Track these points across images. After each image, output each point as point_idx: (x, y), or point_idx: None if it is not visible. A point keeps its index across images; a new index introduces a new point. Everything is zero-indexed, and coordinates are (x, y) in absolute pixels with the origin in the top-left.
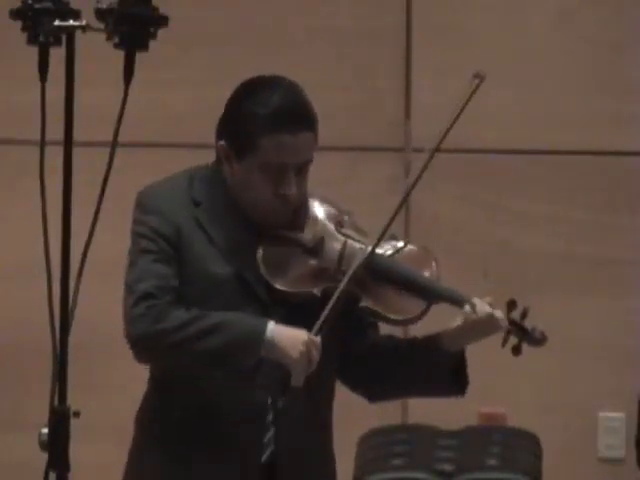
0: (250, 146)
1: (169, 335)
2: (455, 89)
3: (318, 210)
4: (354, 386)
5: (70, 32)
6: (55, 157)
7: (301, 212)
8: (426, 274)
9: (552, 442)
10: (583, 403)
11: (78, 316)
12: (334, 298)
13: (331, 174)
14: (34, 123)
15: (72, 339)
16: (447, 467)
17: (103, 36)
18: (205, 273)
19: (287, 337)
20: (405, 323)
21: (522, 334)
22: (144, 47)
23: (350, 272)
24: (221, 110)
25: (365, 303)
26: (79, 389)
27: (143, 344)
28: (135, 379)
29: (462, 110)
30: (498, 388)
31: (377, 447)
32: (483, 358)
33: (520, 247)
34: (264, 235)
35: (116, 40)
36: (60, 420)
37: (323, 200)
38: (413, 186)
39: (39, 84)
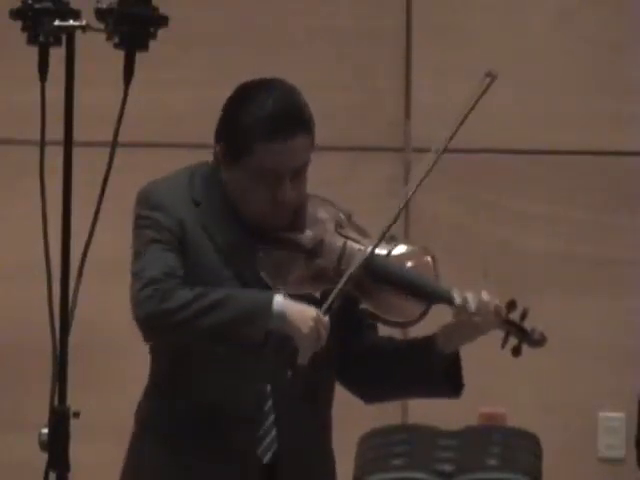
0: (245, 152)
1: (176, 312)
2: (455, 89)
3: (318, 211)
4: (351, 386)
5: (70, 32)
6: (55, 157)
7: (301, 213)
8: (425, 275)
9: (552, 442)
10: (583, 403)
11: (78, 316)
12: (343, 280)
13: (331, 174)
14: (34, 123)
15: (72, 339)
16: (447, 467)
17: (103, 36)
18: (205, 272)
19: (297, 311)
20: (404, 325)
21: (522, 335)
22: (144, 47)
23: (355, 265)
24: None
25: (364, 305)
26: (79, 389)
27: (151, 323)
28: (135, 379)
29: (472, 108)
30: (498, 388)
31: (377, 447)
32: (483, 358)
33: (520, 247)
34: (263, 236)
35: (116, 40)
36: (60, 420)
37: (323, 201)
38: (416, 188)
39: (39, 84)
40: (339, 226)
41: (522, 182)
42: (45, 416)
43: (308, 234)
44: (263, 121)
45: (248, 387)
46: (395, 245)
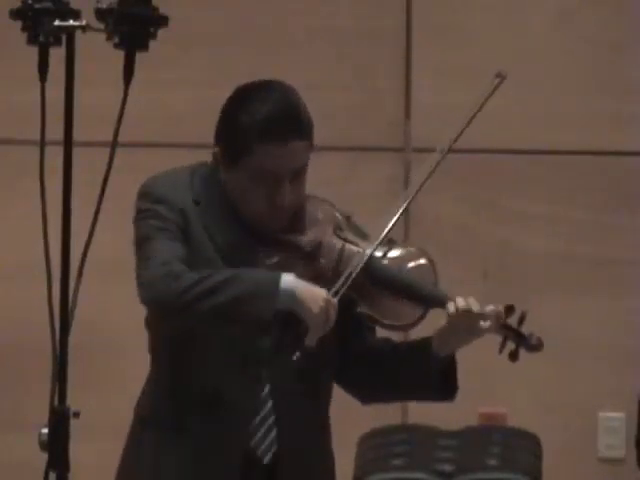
0: (244, 154)
1: (186, 291)
2: (455, 89)
3: (317, 213)
4: (348, 387)
5: (70, 32)
6: (55, 157)
7: (300, 215)
8: (422, 279)
9: (552, 442)
10: (583, 403)
11: (78, 316)
12: (356, 265)
13: (331, 174)
14: (34, 123)
15: (72, 339)
16: (447, 467)
17: (103, 36)
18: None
19: (308, 290)
20: (402, 329)
21: (519, 340)
22: (144, 47)
23: (360, 264)
24: None
25: (362, 309)
26: (79, 389)
27: (162, 303)
28: (135, 379)
29: (481, 108)
30: (498, 388)
31: (377, 447)
32: (483, 358)
33: (520, 247)
34: (263, 237)
35: (116, 40)
36: (60, 420)
37: (322, 202)
38: (420, 187)
39: (39, 84)
40: (338, 228)
41: (522, 182)
42: (45, 416)
43: (307, 236)
44: (262, 123)
45: (249, 380)
46: (393, 248)
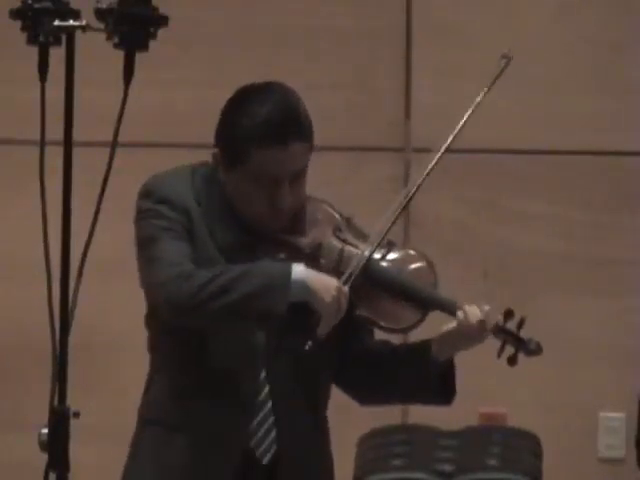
0: (243, 157)
1: (201, 290)
2: (455, 89)
3: (317, 214)
4: (346, 389)
5: (70, 32)
6: (55, 157)
7: (300, 216)
8: (421, 281)
9: (552, 442)
10: (583, 403)
11: (78, 316)
12: (366, 251)
13: (331, 174)
14: (34, 123)
15: (72, 339)
16: (447, 467)
17: (103, 36)
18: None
19: (319, 280)
20: (400, 332)
21: (518, 344)
22: (144, 47)
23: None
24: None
25: (361, 311)
26: (79, 389)
27: (177, 303)
28: (135, 379)
29: (489, 90)
30: (498, 388)
31: (377, 447)
32: (483, 358)
33: (520, 247)
34: (263, 238)
35: (116, 40)
36: (60, 420)
37: (322, 203)
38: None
39: (39, 84)
40: (338, 229)
41: (522, 182)
42: (45, 416)
43: (307, 237)
44: (262, 126)
45: (249, 380)
46: (392, 250)
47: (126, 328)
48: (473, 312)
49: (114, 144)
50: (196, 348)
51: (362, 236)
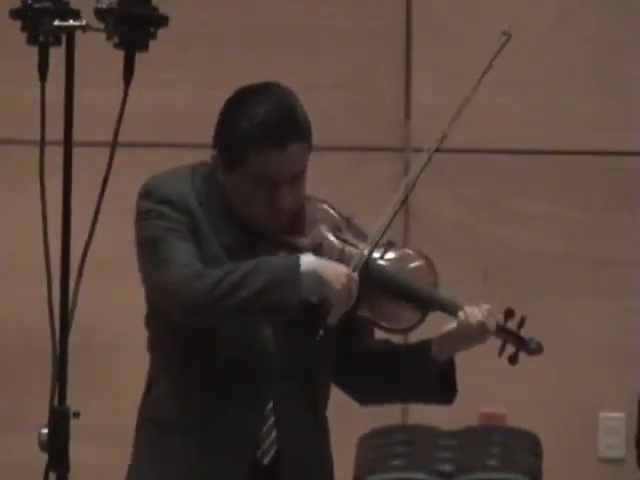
0: (241, 159)
1: (214, 290)
2: (455, 89)
3: (317, 214)
4: (346, 388)
5: (70, 32)
6: (55, 157)
7: (300, 217)
8: (421, 281)
9: (552, 442)
10: (583, 403)
11: (78, 316)
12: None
13: (331, 174)
14: (34, 123)
15: (72, 339)
16: (447, 467)
17: (103, 36)
18: (212, 267)
19: (329, 268)
20: (401, 332)
21: (519, 344)
22: (144, 47)
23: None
24: None
25: (362, 312)
26: (79, 389)
27: (191, 305)
28: (135, 379)
29: (489, 67)
30: (498, 388)
31: (377, 447)
32: (483, 358)
33: (520, 247)
34: (263, 239)
35: (116, 40)
36: (60, 420)
37: (322, 204)
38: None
39: (39, 84)
40: (338, 230)
41: (522, 182)
42: (45, 416)
43: (307, 238)
44: (259, 129)
45: (251, 379)
46: (392, 250)
47: (126, 328)
48: (474, 313)
49: (114, 144)
50: (199, 348)
51: (362, 236)
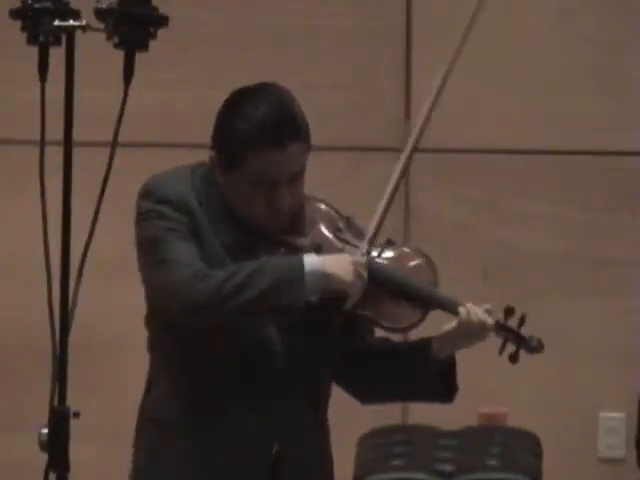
0: (240, 161)
1: (218, 291)
2: (455, 89)
3: (316, 215)
4: (346, 387)
5: (70, 32)
6: (55, 157)
7: (300, 217)
8: (421, 280)
9: (552, 442)
10: (583, 403)
11: (78, 316)
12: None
13: (331, 174)
14: (34, 123)
15: (72, 339)
16: (447, 467)
17: (103, 36)
18: (215, 267)
19: (334, 262)
20: (401, 331)
21: (519, 342)
22: (144, 47)
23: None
24: None
25: (362, 311)
26: (79, 390)
27: (195, 305)
28: (135, 379)
29: (466, 37)
30: (498, 388)
31: (377, 447)
32: (483, 358)
33: (520, 247)
34: (263, 239)
35: (116, 40)
36: (60, 420)
37: (322, 204)
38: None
39: (39, 84)
40: (337, 230)
41: (522, 182)
42: (45, 416)
43: (307, 238)
44: (257, 130)
45: (251, 378)
46: (392, 249)
47: (126, 328)
48: (474, 311)
49: (114, 144)
50: (199, 348)
51: (362, 236)
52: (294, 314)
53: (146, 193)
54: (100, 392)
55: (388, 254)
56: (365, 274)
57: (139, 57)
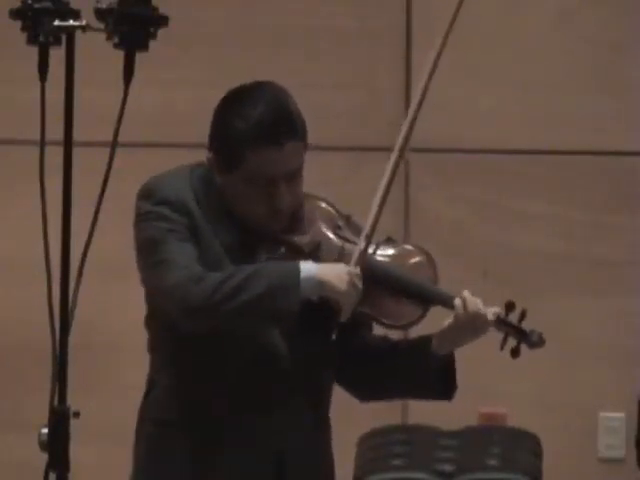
0: (236, 161)
1: (214, 293)
2: (455, 89)
3: (316, 213)
4: (346, 385)
5: (70, 32)
6: (55, 157)
7: (299, 215)
8: (421, 276)
9: (552, 442)
10: (583, 403)
11: (78, 316)
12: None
13: (331, 174)
14: (34, 123)
15: (72, 339)
16: (447, 467)
17: (103, 36)
18: (214, 268)
19: (330, 271)
20: (402, 328)
21: (520, 336)
22: (144, 47)
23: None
24: None
25: (362, 308)
26: (79, 390)
27: (190, 307)
28: (135, 379)
29: (448, 34)
30: (498, 388)
31: (377, 447)
32: (483, 358)
33: (520, 247)
34: (262, 239)
35: (116, 40)
36: (60, 420)
37: (321, 202)
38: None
39: (39, 84)
40: (337, 227)
41: (522, 182)
42: (45, 416)
43: (306, 236)
44: (254, 129)
45: (251, 379)
46: (391, 246)
47: (126, 328)
48: (471, 301)
49: (114, 144)
50: (200, 349)
51: (361, 234)
52: (288, 318)
53: (145, 194)
54: (100, 392)
55: (389, 251)
56: (360, 284)
57: (139, 57)
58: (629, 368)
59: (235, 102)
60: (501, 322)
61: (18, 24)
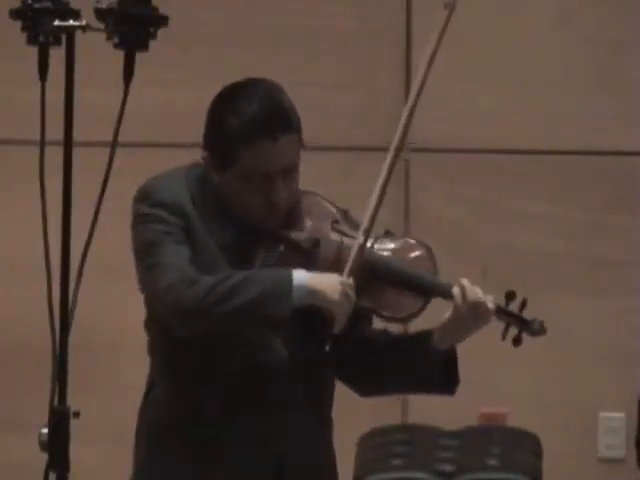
0: (231, 158)
1: (206, 296)
2: (455, 89)
3: (313, 208)
4: (346, 380)
5: (70, 32)
6: (55, 157)
7: (296, 211)
8: (421, 269)
9: (552, 442)
10: (583, 403)
11: (78, 316)
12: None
13: (331, 173)
14: (34, 123)
15: (72, 339)
16: (447, 467)
17: (103, 36)
18: (208, 268)
19: (322, 280)
20: (402, 321)
21: (521, 325)
22: (144, 47)
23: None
24: None
25: (363, 302)
26: (79, 390)
27: (181, 310)
28: (135, 379)
29: (438, 47)
30: (498, 388)
31: (377, 447)
32: (483, 358)
33: (520, 247)
34: (261, 236)
35: (116, 40)
36: (60, 420)
37: (317, 197)
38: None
39: (39, 84)
40: (335, 222)
41: (522, 182)
42: (45, 416)
43: (305, 232)
44: (248, 125)
45: (250, 381)
46: (391, 239)
47: (126, 328)
48: (471, 290)
49: (114, 144)
50: (199, 351)
51: (358, 228)
52: (280, 325)
53: (142, 196)
54: (100, 392)
55: (389, 245)
56: (353, 295)
57: (139, 57)
58: (629, 368)
59: (228, 100)
60: (502, 311)
61: (18, 24)
